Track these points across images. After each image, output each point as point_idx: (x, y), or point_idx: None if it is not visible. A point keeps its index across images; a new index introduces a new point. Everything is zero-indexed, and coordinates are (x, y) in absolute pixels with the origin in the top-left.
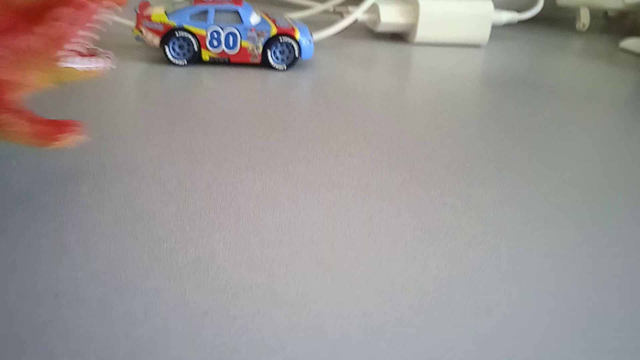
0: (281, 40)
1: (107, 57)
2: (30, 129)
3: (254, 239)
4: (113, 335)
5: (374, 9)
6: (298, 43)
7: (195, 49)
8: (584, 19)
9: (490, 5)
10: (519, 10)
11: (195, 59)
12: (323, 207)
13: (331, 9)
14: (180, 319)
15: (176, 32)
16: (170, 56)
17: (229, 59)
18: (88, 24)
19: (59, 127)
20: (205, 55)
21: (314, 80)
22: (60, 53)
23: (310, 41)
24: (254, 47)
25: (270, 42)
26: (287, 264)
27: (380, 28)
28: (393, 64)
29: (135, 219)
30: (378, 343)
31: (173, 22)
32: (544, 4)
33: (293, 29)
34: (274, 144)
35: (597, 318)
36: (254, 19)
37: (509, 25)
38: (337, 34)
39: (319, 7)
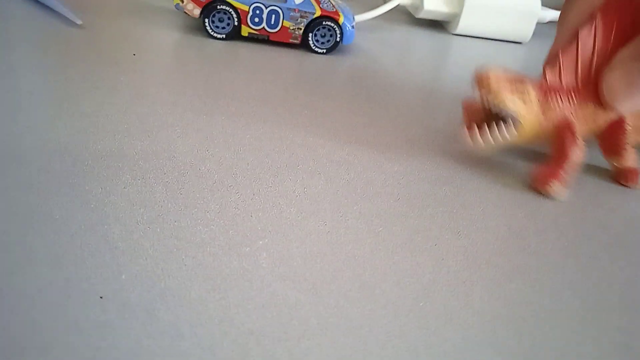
0: (324, 24)
1: None
2: None
3: (296, 250)
4: (160, 347)
5: None
6: (341, 27)
7: (235, 23)
8: None
9: (538, 2)
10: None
11: (234, 34)
12: (364, 219)
13: None
14: (226, 337)
15: (217, 5)
16: (209, 29)
17: (268, 37)
18: None
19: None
20: (245, 31)
21: (352, 67)
22: None
23: (352, 26)
24: (296, 27)
25: (312, 24)
26: (330, 282)
27: (422, 14)
28: (433, 55)
29: (177, 216)
30: None
31: None
32: None
33: (337, 12)
34: (314, 140)
35: None
36: None
37: (552, 23)
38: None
39: None
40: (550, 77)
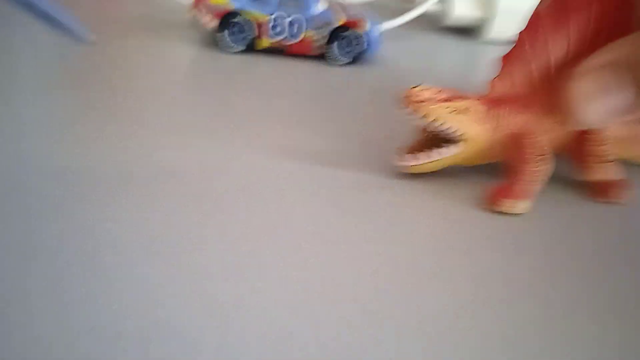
0: (348, 32)
1: None
2: None
3: (294, 276)
4: None
5: None
6: (366, 35)
7: (253, 35)
8: None
9: None
10: None
11: (251, 46)
12: (370, 243)
13: None
14: None
15: (236, 16)
16: (226, 42)
17: (284, 50)
18: None
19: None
20: (264, 43)
21: (377, 80)
22: None
23: (380, 34)
24: (319, 37)
25: (335, 33)
26: (329, 308)
27: (451, 21)
28: (462, 65)
29: (173, 243)
30: None
31: (233, 5)
32: None
33: (361, 20)
34: (331, 162)
35: None
36: (321, 6)
37: None
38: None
39: None
40: (498, 87)
